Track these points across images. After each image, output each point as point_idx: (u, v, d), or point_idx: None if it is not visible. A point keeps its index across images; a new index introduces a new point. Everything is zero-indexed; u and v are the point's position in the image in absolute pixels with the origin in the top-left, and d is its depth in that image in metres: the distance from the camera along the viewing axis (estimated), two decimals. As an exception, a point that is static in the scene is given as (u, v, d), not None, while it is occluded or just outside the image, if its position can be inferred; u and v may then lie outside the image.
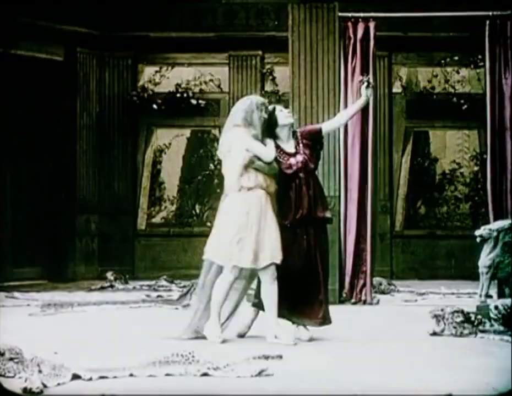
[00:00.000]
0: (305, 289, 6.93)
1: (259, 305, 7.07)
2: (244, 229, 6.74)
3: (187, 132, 13.99)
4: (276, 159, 6.96)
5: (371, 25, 9.93)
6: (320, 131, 7.27)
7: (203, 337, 6.82)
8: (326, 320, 7.01)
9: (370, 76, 7.19)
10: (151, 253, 13.27)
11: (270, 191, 6.89)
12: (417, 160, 13.69)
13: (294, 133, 7.17)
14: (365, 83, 7.17)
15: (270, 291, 6.81)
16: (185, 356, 5.70)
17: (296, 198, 6.97)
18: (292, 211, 6.96)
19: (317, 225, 7.06)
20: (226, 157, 6.98)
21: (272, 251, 6.76)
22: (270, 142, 6.96)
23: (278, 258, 6.77)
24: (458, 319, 7.16)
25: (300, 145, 7.10)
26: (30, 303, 9.73)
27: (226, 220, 6.86)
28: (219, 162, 7.73)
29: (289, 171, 7.00)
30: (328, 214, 7.14)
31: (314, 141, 7.16)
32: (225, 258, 6.82)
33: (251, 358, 5.86)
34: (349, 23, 9.95)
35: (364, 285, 9.64)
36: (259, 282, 7.02)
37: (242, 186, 6.83)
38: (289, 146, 7.09)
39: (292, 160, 7.04)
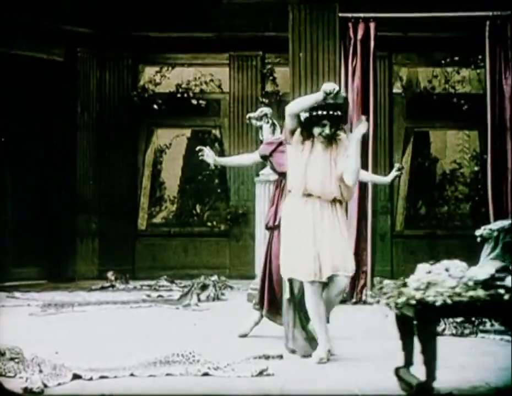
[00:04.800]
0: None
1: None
2: None
3: (187, 132, 13.99)
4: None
5: (372, 25, 9.94)
6: None
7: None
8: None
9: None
10: (152, 253, 13.27)
11: None
12: (417, 161, 13.68)
13: None
14: (399, 170, 7.27)
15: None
16: (186, 356, 5.71)
17: None
18: None
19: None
20: None
21: None
22: None
23: None
24: (459, 319, 7.16)
25: None
26: (30, 303, 9.73)
27: None
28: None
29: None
30: None
31: None
32: None
33: (252, 358, 5.87)
34: (350, 24, 9.96)
35: (364, 285, 9.65)
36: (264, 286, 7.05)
37: None
38: None
39: None
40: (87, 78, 13.07)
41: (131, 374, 5.40)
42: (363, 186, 9.67)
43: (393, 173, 7.34)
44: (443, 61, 13.22)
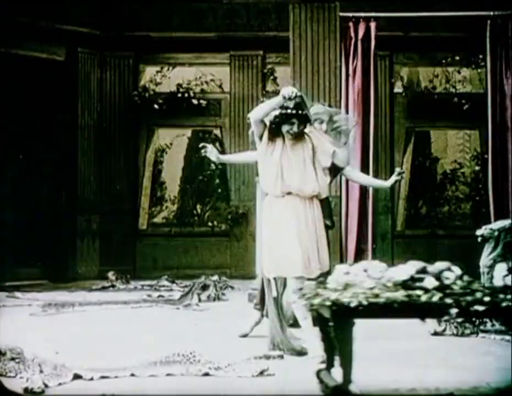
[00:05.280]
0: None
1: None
2: None
3: (188, 132, 13.99)
4: None
5: (372, 24, 9.93)
6: (342, 167, 7.36)
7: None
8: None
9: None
10: (152, 253, 13.27)
11: None
12: (418, 160, 13.69)
13: None
14: (399, 175, 7.33)
15: None
16: (186, 356, 5.71)
17: None
18: None
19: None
20: None
21: None
22: None
23: None
24: (460, 319, 7.15)
25: None
26: (31, 303, 9.73)
27: None
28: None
29: None
30: (328, 222, 7.17)
31: (333, 165, 7.22)
32: None
33: (252, 358, 5.86)
34: (350, 23, 9.96)
35: (365, 284, 9.64)
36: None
37: None
38: None
39: None
40: (88, 78, 13.06)
41: (132, 374, 5.40)
42: (363, 186, 9.67)
43: (394, 178, 7.36)
44: (444, 61, 13.22)
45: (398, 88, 13.40)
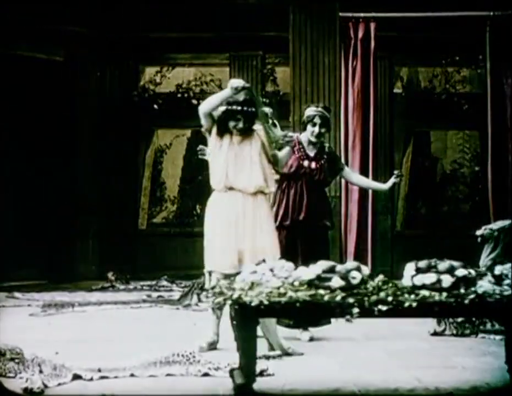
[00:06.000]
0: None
1: None
2: None
3: (188, 133, 14.00)
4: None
5: (372, 25, 9.95)
6: (340, 169, 7.37)
7: None
8: (325, 320, 7.04)
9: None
10: (152, 253, 13.26)
11: None
12: (418, 161, 13.69)
13: (324, 146, 7.24)
14: (398, 177, 7.37)
15: None
16: (186, 356, 5.71)
17: (295, 199, 7.02)
18: (290, 212, 7.02)
19: (317, 230, 7.10)
20: None
21: None
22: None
23: None
24: (459, 319, 7.16)
25: (324, 159, 7.16)
26: (31, 303, 9.73)
27: None
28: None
29: (299, 170, 7.03)
30: (328, 222, 7.17)
31: (332, 167, 7.23)
32: None
33: (252, 358, 5.86)
34: (350, 24, 9.97)
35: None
36: None
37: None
38: (311, 150, 7.14)
39: (305, 162, 7.09)
40: (87, 78, 13.06)
41: (132, 375, 5.40)
42: (363, 186, 9.70)
43: (392, 180, 7.40)
44: (443, 61, 13.22)
45: (397, 89, 13.40)
